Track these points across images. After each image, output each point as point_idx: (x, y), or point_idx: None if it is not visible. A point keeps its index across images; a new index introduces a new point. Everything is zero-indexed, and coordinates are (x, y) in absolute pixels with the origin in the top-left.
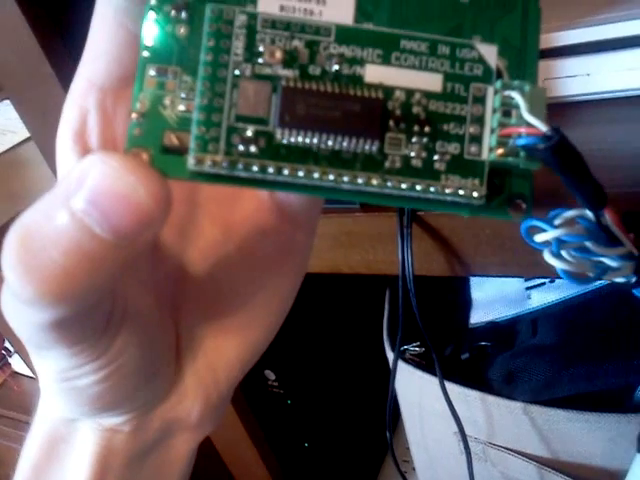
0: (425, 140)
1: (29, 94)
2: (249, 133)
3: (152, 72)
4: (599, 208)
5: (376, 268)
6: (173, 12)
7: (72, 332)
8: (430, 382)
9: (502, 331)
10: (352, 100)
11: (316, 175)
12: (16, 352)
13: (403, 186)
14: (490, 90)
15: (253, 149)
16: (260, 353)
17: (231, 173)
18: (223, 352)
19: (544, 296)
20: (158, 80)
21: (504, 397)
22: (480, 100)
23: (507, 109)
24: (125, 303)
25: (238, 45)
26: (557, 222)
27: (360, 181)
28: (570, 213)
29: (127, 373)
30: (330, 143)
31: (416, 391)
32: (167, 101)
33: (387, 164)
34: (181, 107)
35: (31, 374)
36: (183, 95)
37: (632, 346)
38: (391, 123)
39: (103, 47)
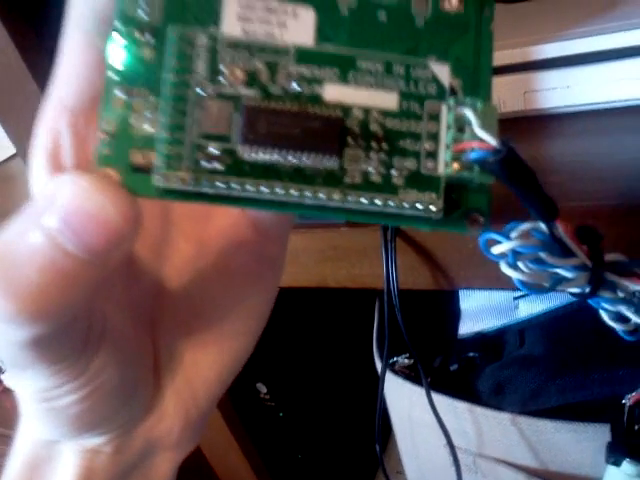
0: (383, 156)
1: (14, 111)
2: (213, 150)
3: (118, 93)
4: (550, 220)
5: (362, 282)
6: (137, 34)
7: (50, 351)
8: (419, 394)
9: (490, 342)
10: (312, 118)
11: (279, 191)
12: None
13: (363, 200)
14: (444, 108)
15: (217, 166)
16: (238, 369)
17: (197, 189)
18: (202, 369)
19: (532, 306)
20: (125, 100)
21: (492, 408)
22: (434, 117)
23: (461, 125)
24: (103, 322)
25: (201, 65)
26: (513, 234)
27: (322, 196)
28: (525, 226)
29: (106, 393)
30: (291, 159)
31: (406, 403)
32: (133, 120)
33: (347, 179)
34: (147, 126)
35: None
36: (149, 114)
37: (618, 356)
38: (350, 140)
39: (73, 69)
